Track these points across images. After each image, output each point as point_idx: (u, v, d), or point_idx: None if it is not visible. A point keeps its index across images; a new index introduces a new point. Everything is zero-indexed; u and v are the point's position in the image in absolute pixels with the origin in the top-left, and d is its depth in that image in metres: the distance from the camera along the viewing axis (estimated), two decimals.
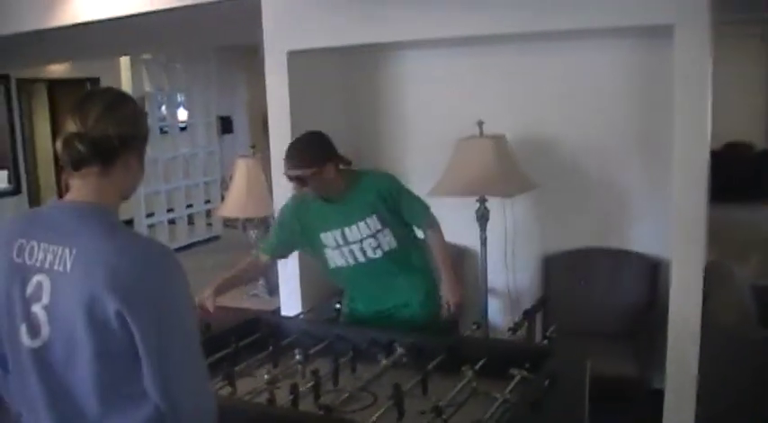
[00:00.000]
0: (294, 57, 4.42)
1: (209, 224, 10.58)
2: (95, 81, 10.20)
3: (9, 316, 1.74)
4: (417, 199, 3.41)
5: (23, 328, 1.71)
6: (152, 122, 9.31)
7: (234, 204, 4.91)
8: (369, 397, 2.65)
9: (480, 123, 4.19)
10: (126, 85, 8.99)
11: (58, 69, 10.25)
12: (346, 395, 2.62)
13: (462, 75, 4.72)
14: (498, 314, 4.74)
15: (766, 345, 3.42)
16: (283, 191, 3.35)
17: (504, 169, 4.13)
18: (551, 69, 4.48)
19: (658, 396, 3.76)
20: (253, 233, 5.03)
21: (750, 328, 3.51)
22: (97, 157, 1.72)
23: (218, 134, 11.21)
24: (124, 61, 9.18)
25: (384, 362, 2.85)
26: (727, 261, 4.39)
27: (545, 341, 3.06)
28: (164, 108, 10.25)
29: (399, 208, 3.29)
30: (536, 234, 4.69)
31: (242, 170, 4.88)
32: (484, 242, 4.35)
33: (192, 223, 10.43)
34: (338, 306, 3.67)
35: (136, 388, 1.66)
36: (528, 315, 3.52)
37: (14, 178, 9.69)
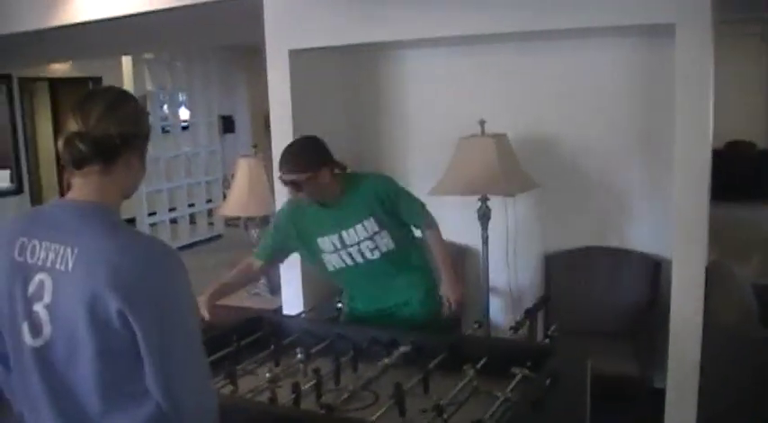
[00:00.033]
0: (295, 56, 4.42)
1: (211, 223, 10.60)
2: (97, 80, 10.21)
3: (11, 315, 1.74)
4: (414, 199, 3.40)
5: (25, 327, 1.71)
6: (154, 122, 9.33)
7: (235, 203, 4.91)
8: (370, 396, 2.65)
9: (482, 122, 4.19)
10: (128, 84, 8.99)
11: (59, 68, 10.26)
12: (348, 394, 2.62)
13: (463, 74, 4.72)
14: (500, 313, 4.74)
15: (767, 344, 3.42)
16: (285, 190, 3.35)
17: (506, 168, 4.13)
18: (552, 68, 4.48)
19: (660, 395, 3.76)
20: (254, 232, 5.03)
21: (751, 328, 3.51)
22: (99, 156, 1.72)
23: (219, 133, 11.23)
24: (126, 60, 9.18)
25: (385, 361, 2.85)
26: (728, 260, 4.38)
27: (546, 340, 3.07)
28: (166, 107, 10.26)
29: (397, 209, 3.28)
30: (537, 233, 4.70)
31: (243, 169, 4.89)
32: (485, 241, 4.36)
33: (194, 222, 10.44)
34: (339, 305, 3.67)
35: (137, 386, 1.67)
36: (529, 314, 3.52)
37: (16, 178, 9.69)
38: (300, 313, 3.90)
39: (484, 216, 4.31)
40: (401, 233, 3.34)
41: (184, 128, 10.50)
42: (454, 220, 4.50)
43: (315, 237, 3.31)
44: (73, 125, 1.72)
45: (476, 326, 3.41)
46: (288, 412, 2.49)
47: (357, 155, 4.93)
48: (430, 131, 4.85)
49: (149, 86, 9.66)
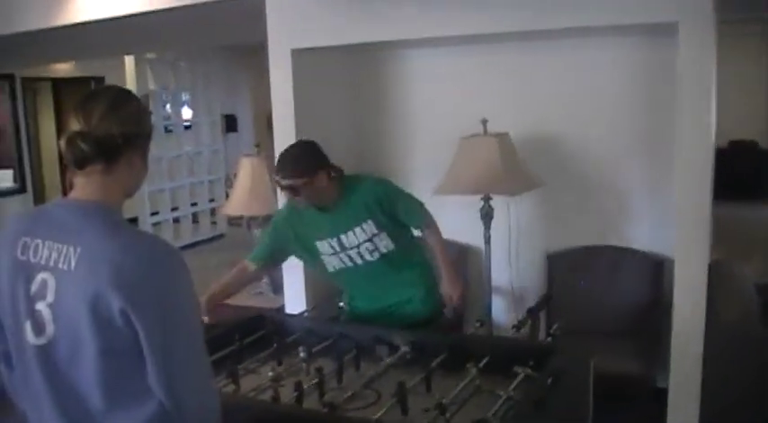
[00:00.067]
0: (298, 55, 4.42)
1: (214, 222, 10.60)
2: (100, 80, 10.22)
3: (14, 314, 1.75)
4: (412, 200, 3.40)
5: (28, 326, 1.72)
6: (157, 121, 9.34)
7: (238, 203, 4.92)
8: (372, 394, 2.66)
9: (484, 121, 4.19)
10: (131, 83, 9.00)
11: (62, 68, 10.27)
12: (350, 393, 2.63)
13: (466, 73, 4.72)
14: (502, 312, 4.74)
15: None
16: None
17: (509, 167, 4.13)
18: (555, 68, 4.48)
19: (662, 395, 3.76)
20: (257, 231, 5.04)
21: (753, 327, 3.50)
22: (101, 155, 1.73)
23: (222, 133, 11.24)
24: (129, 60, 9.19)
25: (388, 360, 2.86)
26: (731, 260, 4.38)
27: (549, 339, 3.07)
28: (168, 107, 10.28)
29: (395, 211, 3.28)
30: (540, 232, 4.69)
31: (246, 168, 4.89)
32: (488, 240, 4.36)
33: (197, 222, 10.45)
34: (341, 305, 3.67)
35: (140, 385, 1.67)
36: (532, 313, 3.52)
37: (19, 177, 9.70)
38: (303, 312, 3.90)
39: (486, 215, 4.31)
40: (400, 234, 3.34)
41: (187, 127, 10.51)
42: (457, 220, 4.51)
43: (313, 240, 3.31)
44: (75, 125, 1.72)
45: (478, 325, 3.42)
46: (290, 411, 2.50)
47: (359, 154, 4.93)
48: (432, 131, 4.85)
49: (152, 86, 9.68)
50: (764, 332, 3.47)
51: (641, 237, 4.45)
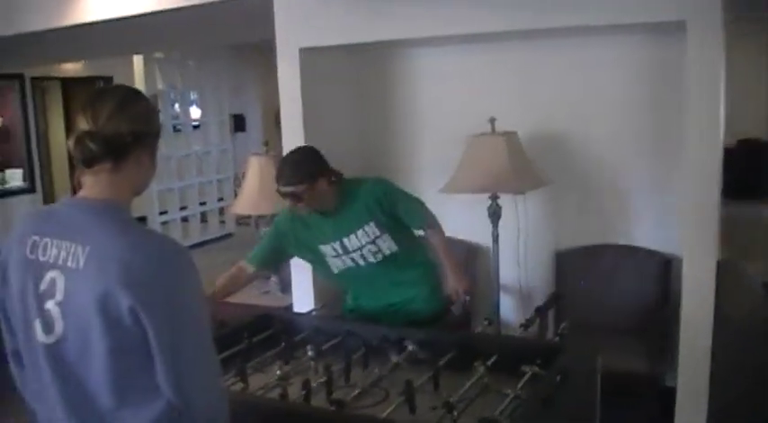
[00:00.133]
0: (306, 54, 4.43)
1: (222, 222, 10.64)
2: (109, 79, 10.25)
3: (23, 312, 1.75)
4: (413, 200, 3.40)
5: (37, 324, 1.72)
6: (165, 121, 9.38)
7: (246, 202, 4.92)
8: (380, 393, 2.66)
9: (492, 120, 4.19)
10: (139, 83, 9.03)
11: (71, 68, 10.31)
12: (358, 391, 2.63)
13: (473, 71, 4.72)
14: (510, 311, 4.74)
15: None
16: None
17: (516, 166, 4.13)
18: (562, 66, 4.48)
19: (671, 393, 3.75)
20: (265, 230, 5.04)
21: (761, 326, 3.49)
22: (109, 154, 1.73)
23: (230, 132, 11.26)
24: (137, 59, 9.22)
25: (396, 358, 2.86)
26: (739, 259, 4.37)
27: (557, 338, 3.07)
28: (177, 106, 10.30)
29: (395, 211, 3.28)
30: (548, 231, 4.69)
31: (254, 168, 4.89)
32: (496, 239, 4.36)
33: (205, 221, 10.48)
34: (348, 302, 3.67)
35: (149, 383, 1.67)
36: (540, 312, 3.51)
37: (29, 177, 9.74)
38: (311, 311, 3.90)
39: (494, 214, 4.31)
40: (402, 234, 3.34)
41: (195, 127, 10.54)
42: (464, 219, 4.52)
43: (316, 243, 3.32)
44: (83, 124, 1.73)
45: (486, 323, 3.41)
46: (298, 409, 2.50)
47: (367, 152, 4.94)
48: (440, 129, 4.85)
49: (160, 85, 9.71)
50: None
51: (649, 235, 4.44)
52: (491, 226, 4.33)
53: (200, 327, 1.73)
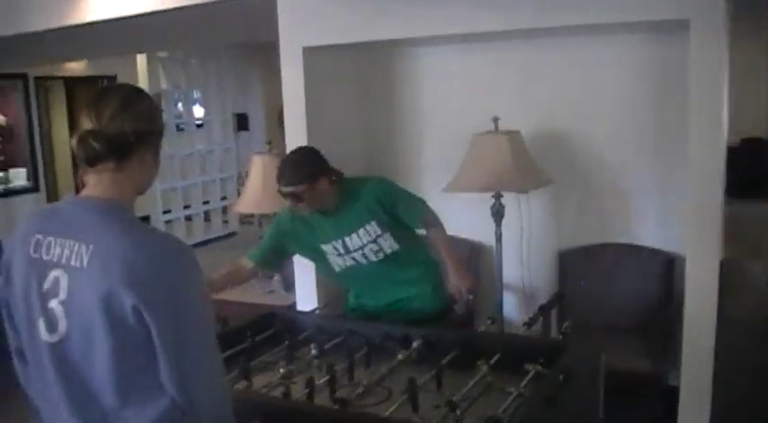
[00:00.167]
0: (309, 53, 4.43)
1: (226, 221, 10.64)
2: (112, 78, 10.27)
3: (27, 311, 1.76)
4: (414, 199, 3.39)
5: (41, 323, 1.72)
6: (169, 120, 9.38)
7: (250, 200, 4.92)
8: (383, 391, 2.66)
9: (495, 119, 4.19)
10: (143, 82, 9.04)
11: (75, 67, 10.32)
12: (361, 389, 2.63)
13: (477, 71, 4.72)
14: (513, 309, 4.74)
15: None
16: None
17: (520, 165, 4.13)
18: (565, 65, 4.47)
19: (674, 392, 3.75)
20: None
21: (764, 324, 3.49)
22: (112, 153, 1.73)
23: (234, 131, 11.27)
24: (141, 59, 9.22)
25: (399, 357, 2.86)
26: (743, 258, 4.36)
27: (560, 336, 3.06)
28: (180, 105, 10.31)
29: (396, 211, 3.28)
30: (551, 229, 4.69)
31: (258, 166, 4.90)
32: (499, 238, 4.36)
33: (209, 220, 10.49)
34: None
35: (153, 381, 1.68)
36: (544, 310, 3.51)
37: (33, 176, 9.76)
38: (314, 310, 3.91)
39: (497, 213, 4.31)
40: (404, 233, 3.34)
41: (199, 126, 10.54)
42: (468, 217, 4.52)
43: (318, 243, 3.33)
44: (87, 123, 1.73)
45: (489, 322, 3.41)
46: (301, 407, 2.50)
47: (370, 151, 4.94)
48: (443, 128, 4.85)
49: (164, 84, 9.72)
50: None
51: (652, 234, 4.44)
52: (494, 225, 4.33)
53: (203, 325, 1.73)
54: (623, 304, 4.42)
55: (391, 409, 2.42)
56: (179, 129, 10.04)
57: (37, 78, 9.79)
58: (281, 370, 2.73)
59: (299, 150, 3.32)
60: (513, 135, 4.17)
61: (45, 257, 1.72)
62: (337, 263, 3.34)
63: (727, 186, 3.83)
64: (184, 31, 6.62)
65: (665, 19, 3.60)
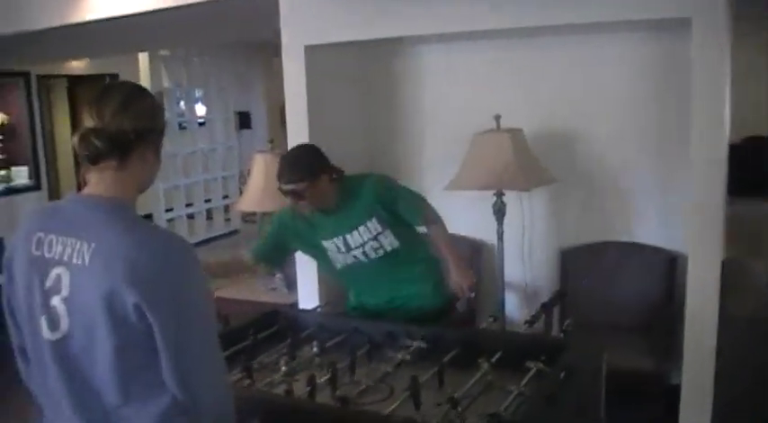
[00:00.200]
0: (311, 51, 4.43)
1: (228, 219, 10.65)
2: (114, 77, 10.24)
3: (29, 308, 1.76)
4: (414, 197, 3.38)
5: (43, 321, 1.73)
6: (171, 118, 9.38)
7: (252, 199, 4.92)
8: (385, 389, 2.67)
9: (497, 117, 4.19)
10: (145, 80, 9.04)
11: (77, 65, 10.31)
12: (363, 387, 2.64)
13: (479, 69, 4.72)
14: (515, 307, 4.74)
15: None
16: None
17: (522, 163, 4.13)
18: (567, 63, 4.47)
19: (676, 391, 3.75)
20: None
21: (766, 323, 3.50)
22: (114, 151, 1.73)
23: (236, 129, 11.26)
24: (143, 57, 9.23)
25: (400, 355, 2.87)
26: (745, 257, 4.36)
27: (561, 334, 3.07)
28: (182, 103, 10.30)
29: (396, 209, 3.27)
30: (553, 228, 4.69)
31: (260, 165, 4.90)
32: (501, 236, 4.35)
33: (211, 218, 10.50)
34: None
35: (155, 379, 1.68)
36: (546, 308, 3.51)
37: (35, 174, 9.74)
38: (316, 308, 3.91)
39: (499, 211, 4.31)
40: (404, 230, 3.33)
41: (201, 124, 10.54)
42: (469, 216, 4.52)
43: (319, 240, 3.33)
44: (88, 121, 1.74)
45: (491, 320, 3.41)
46: (303, 405, 2.51)
47: (372, 150, 4.94)
48: (445, 126, 4.85)
49: (166, 83, 9.72)
50: None
51: (653, 233, 4.43)
52: (496, 223, 4.32)
53: (205, 323, 1.74)
54: (625, 303, 4.42)
55: (393, 407, 2.43)
56: (181, 127, 10.04)
57: (39, 77, 9.78)
58: (284, 368, 2.74)
59: (300, 148, 3.32)
60: (514, 133, 4.17)
61: (47, 255, 1.72)
62: (338, 260, 3.34)
63: (730, 185, 3.82)
64: (186, 30, 6.62)
65: (666, 17, 3.60)
